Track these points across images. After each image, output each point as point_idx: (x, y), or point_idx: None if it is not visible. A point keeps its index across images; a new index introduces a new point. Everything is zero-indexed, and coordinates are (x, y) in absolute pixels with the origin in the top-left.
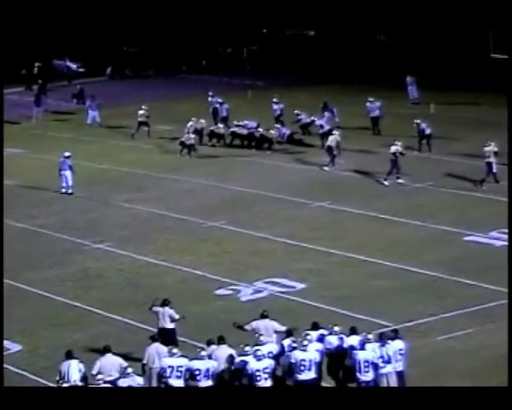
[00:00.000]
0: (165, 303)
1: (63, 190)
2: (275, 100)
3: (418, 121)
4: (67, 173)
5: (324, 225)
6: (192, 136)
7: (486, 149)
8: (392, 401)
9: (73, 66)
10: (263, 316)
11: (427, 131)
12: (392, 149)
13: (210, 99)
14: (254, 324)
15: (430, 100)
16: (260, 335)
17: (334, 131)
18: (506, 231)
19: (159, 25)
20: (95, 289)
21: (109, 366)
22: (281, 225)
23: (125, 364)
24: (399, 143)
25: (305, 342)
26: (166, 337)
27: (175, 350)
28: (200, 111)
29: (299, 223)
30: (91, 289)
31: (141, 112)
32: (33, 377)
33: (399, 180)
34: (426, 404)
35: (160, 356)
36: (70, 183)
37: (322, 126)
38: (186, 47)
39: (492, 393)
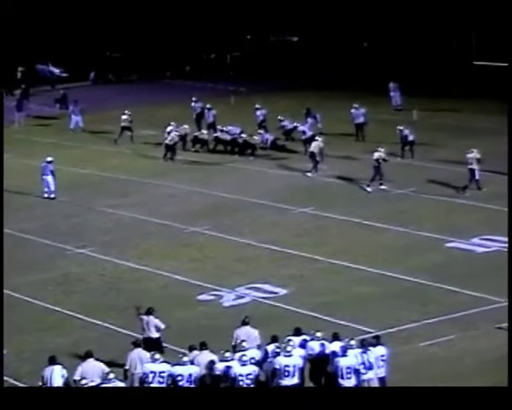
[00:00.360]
0: (149, 312)
1: (45, 195)
2: (257, 106)
3: (401, 128)
4: (49, 178)
5: (307, 232)
6: (174, 135)
7: (469, 155)
8: (392, 401)
9: (56, 70)
10: (244, 323)
11: (410, 138)
12: (375, 155)
13: (193, 104)
14: (235, 334)
15: (413, 106)
16: (242, 341)
17: (316, 137)
18: (488, 237)
19: (142, 30)
20: (76, 294)
21: (91, 372)
22: (264, 231)
23: (106, 369)
24: (382, 150)
25: (289, 348)
26: (152, 347)
27: (157, 356)
28: (183, 116)
29: (283, 229)
30: (73, 294)
31: (124, 117)
32: (16, 382)
33: (382, 186)
34: (425, 404)
35: (142, 362)
36: (52, 188)
37: (304, 132)
38: (170, 52)
39: (492, 393)
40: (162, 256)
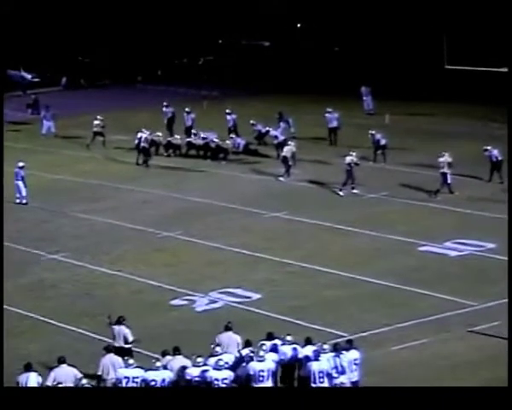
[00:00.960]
0: (119, 321)
1: (17, 201)
2: (228, 110)
3: (373, 132)
4: (20, 184)
5: (279, 236)
6: (145, 139)
7: (440, 159)
8: (391, 401)
9: (28, 76)
10: (227, 328)
11: (383, 142)
12: (347, 159)
13: (164, 109)
14: (217, 339)
15: (385, 110)
16: (217, 345)
17: (289, 142)
18: (461, 241)
19: (114, 34)
20: (50, 300)
21: (64, 377)
22: (236, 236)
23: (79, 375)
24: (354, 154)
25: (261, 353)
26: (122, 355)
27: (131, 361)
28: (156, 121)
29: (255, 233)
30: (46, 300)
31: (96, 122)
32: None
33: (354, 190)
34: (425, 404)
35: (114, 367)
36: (24, 193)
37: (276, 137)
38: (142, 57)
39: (492, 393)
40: (135, 261)
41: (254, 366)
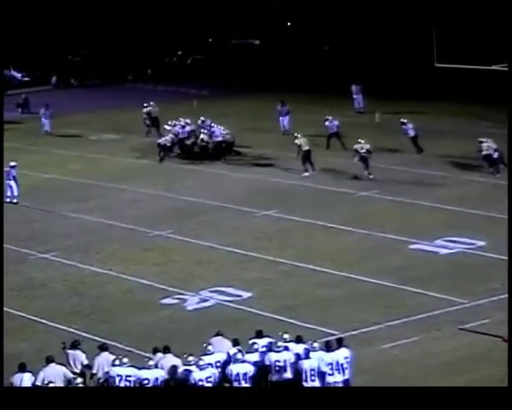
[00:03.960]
0: (75, 345)
1: (7, 200)
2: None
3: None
4: (12, 183)
5: (271, 234)
6: (169, 137)
7: (356, 146)
8: (392, 401)
9: (18, 75)
10: (218, 334)
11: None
12: (356, 147)
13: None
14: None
15: (375, 109)
16: (209, 344)
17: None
18: (452, 239)
19: (104, 33)
20: (39, 299)
21: (53, 376)
22: (227, 235)
23: (69, 373)
24: (363, 141)
25: (280, 344)
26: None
27: (124, 360)
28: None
29: (246, 232)
30: (36, 299)
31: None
32: None
33: (370, 176)
34: (425, 404)
35: (109, 365)
36: (15, 193)
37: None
38: (132, 56)
39: (492, 393)
40: (126, 260)
41: (271, 357)
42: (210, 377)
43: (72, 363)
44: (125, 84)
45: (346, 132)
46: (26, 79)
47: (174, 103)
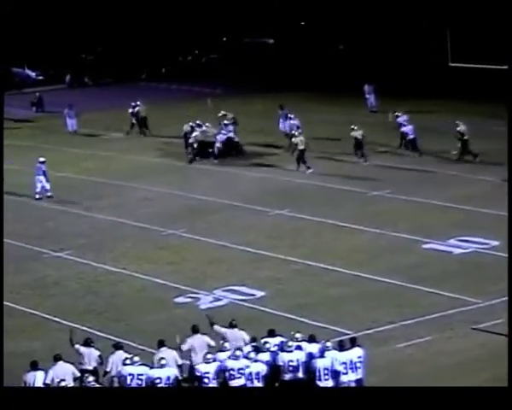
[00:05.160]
0: (87, 343)
1: (37, 196)
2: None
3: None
4: (42, 178)
5: (283, 233)
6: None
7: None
8: (391, 401)
9: (32, 73)
10: (231, 325)
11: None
12: (353, 134)
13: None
14: (224, 330)
15: (389, 108)
16: (226, 341)
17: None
18: (465, 238)
19: (118, 32)
20: (53, 298)
21: (63, 374)
22: (240, 233)
23: (77, 372)
24: (356, 127)
25: (291, 343)
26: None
27: (136, 358)
28: (161, 119)
29: (259, 231)
30: (50, 298)
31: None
32: None
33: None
34: (425, 404)
35: (124, 365)
36: (47, 187)
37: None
38: (146, 54)
39: (492, 393)
40: (139, 259)
41: (284, 357)
42: (242, 368)
43: (87, 361)
44: (139, 83)
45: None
46: (40, 77)
47: (187, 102)
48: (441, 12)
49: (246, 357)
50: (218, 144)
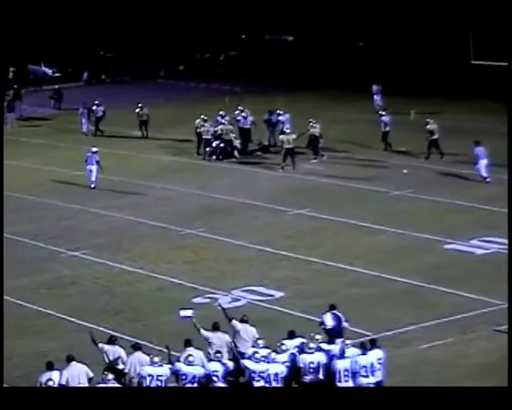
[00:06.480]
0: (112, 341)
1: (92, 185)
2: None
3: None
4: (93, 168)
5: (303, 233)
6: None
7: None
8: (391, 401)
9: (49, 71)
10: (243, 320)
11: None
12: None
13: (95, 108)
14: (234, 321)
15: (410, 107)
16: (258, 339)
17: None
18: (487, 238)
19: (136, 29)
20: (70, 297)
21: (77, 375)
22: (259, 233)
23: (90, 373)
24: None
25: (312, 345)
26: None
27: (156, 359)
28: (177, 117)
29: (278, 230)
30: (66, 297)
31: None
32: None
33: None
34: (425, 404)
35: (142, 365)
36: (93, 178)
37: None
38: (164, 52)
39: (492, 393)
40: (157, 258)
41: (304, 359)
42: (263, 371)
43: (111, 359)
44: (157, 81)
45: (371, 130)
46: (56, 74)
47: (205, 100)
48: (464, 10)
49: (265, 358)
50: (236, 143)
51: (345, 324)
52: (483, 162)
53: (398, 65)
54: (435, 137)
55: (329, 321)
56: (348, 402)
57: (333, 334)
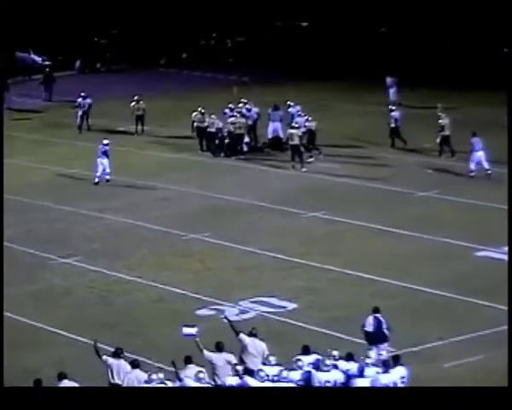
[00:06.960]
0: (117, 354)
1: (96, 180)
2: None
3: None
4: (105, 161)
5: (318, 238)
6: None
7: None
8: (392, 401)
9: (38, 59)
10: (251, 334)
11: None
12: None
13: (81, 100)
14: (242, 335)
15: (436, 100)
16: (271, 355)
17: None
18: None
19: (134, 13)
20: (61, 309)
21: None
22: (270, 238)
23: None
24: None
25: (328, 362)
26: None
27: (154, 376)
28: (180, 109)
29: (291, 236)
30: (58, 309)
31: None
32: None
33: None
34: (425, 404)
35: (140, 384)
36: (108, 170)
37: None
38: (164, 38)
39: (492, 393)
40: (157, 266)
41: (320, 377)
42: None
43: (115, 373)
44: (157, 70)
45: (407, 126)
46: (47, 62)
47: (211, 92)
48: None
49: (277, 377)
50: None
51: (385, 331)
52: (477, 154)
53: (421, 54)
54: (447, 133)
55: (369, 324)
56: (348, 402)
57: (371, 338)
